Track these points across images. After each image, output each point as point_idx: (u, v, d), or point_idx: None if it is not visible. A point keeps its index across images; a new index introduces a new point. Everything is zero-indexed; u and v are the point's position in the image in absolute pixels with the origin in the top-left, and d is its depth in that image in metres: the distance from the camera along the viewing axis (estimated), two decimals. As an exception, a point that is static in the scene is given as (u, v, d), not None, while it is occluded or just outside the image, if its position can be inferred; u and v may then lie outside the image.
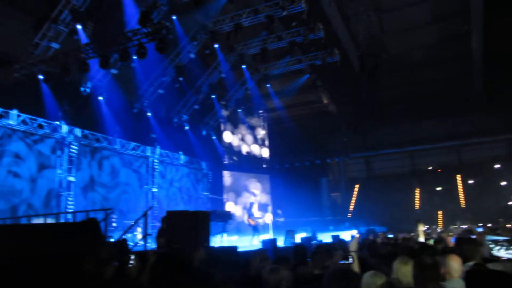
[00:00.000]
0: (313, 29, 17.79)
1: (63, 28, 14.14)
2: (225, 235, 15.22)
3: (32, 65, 13.02)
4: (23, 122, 13.61)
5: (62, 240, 4.19)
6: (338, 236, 15.04)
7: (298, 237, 15.25)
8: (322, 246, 7.17)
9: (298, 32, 18.61)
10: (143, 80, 18.43)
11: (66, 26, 14.19)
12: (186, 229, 8.79)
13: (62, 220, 13.59)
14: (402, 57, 24.57)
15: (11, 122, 13.24)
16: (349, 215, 27.62)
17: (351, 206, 28.68)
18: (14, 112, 13.23)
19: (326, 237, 16.25)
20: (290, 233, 15.12)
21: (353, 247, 4.28)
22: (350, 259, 3.92)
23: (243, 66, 21.53)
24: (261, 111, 26.10)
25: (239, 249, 9.52)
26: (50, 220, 13.08)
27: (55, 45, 13.96)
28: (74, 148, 15.20)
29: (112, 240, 11.51)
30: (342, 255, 4.06)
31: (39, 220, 12.71)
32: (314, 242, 14.64)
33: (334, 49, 19.40)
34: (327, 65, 19.96)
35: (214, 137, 23.74)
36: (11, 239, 4.31)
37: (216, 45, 19.05)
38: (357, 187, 29.48)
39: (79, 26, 14.34)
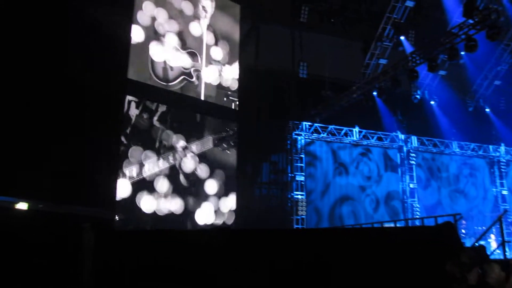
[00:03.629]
0: None
1: (388, 43, 14.90)
2: None
3: (366, 84, 14.20)
4: (364, 136, 15.12)
5: (422, 243, 4.33)
6: None
7: None
8: None
9: None
10: (476, 75, 17.07)
11: (390, 41, 14.90)
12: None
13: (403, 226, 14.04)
14: None
15: (354, 138, 15.00)
16: None
17: None
18: (356, 129, 14.92)
19: None
20: None
21: None
22: None
23: None
24: None
25: None
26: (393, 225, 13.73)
27: (383, 61, 14.85)
28: (413, 156, 15.68)
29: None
30: None
31: (390, 224, 13.59)
32: None
33: None
34: None
35: None
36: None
37: None
38: None
39: (402, 37, 14.88)
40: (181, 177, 11.92)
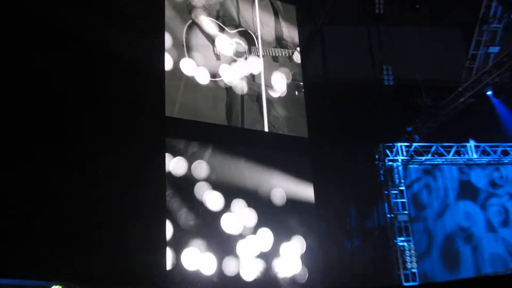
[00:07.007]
0: None
1: (496, 25, 11.35)
2: None
3: (475, 83, 10.78)
4: (483, 152, 11.41)
5: None
6: None
7: None
8: None
9: None
10: None
11: (499, 22, 11.34)
12: None
13: None
14: None
15: (470, 155, 11.35)
16: None
17: None
18: (471, 143, 11.30)
19: None
20: None
21: None
22: None
23: None
24: None
25: None
26: None
27: (494, 49, 11.25)
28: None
29: None
30: None
31: None
32: None
33: None
34: None
35: None
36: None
37: None
38: None
39: (516, 15, 11.27)
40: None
